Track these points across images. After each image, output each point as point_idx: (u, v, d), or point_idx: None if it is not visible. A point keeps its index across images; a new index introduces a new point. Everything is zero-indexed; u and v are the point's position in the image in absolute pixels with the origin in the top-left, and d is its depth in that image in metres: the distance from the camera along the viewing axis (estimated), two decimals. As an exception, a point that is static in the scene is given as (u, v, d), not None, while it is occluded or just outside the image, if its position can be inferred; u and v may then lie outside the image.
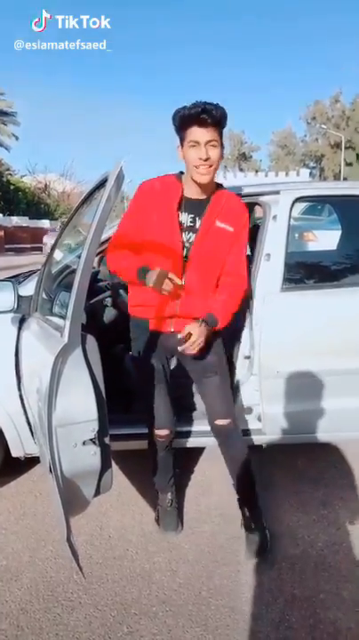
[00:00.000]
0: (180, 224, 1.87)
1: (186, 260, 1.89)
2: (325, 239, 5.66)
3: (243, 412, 2.42)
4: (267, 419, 2.39)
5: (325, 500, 2.43)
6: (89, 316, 2.56)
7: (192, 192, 1.88)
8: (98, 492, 1.65)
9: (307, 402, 2.36)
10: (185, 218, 1.88)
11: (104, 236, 2.01)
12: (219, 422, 2.05)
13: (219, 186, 1.97)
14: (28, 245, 26.73)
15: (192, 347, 1.82)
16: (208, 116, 1.70)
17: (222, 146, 1.82)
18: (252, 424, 2.43)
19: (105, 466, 1.60)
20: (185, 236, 1.88)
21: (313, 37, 77.36)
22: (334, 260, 3.24)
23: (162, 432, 2.10)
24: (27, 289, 2.37)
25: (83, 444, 1.48)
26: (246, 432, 2.39)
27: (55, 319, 1.96)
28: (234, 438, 2.10)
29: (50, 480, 1.57)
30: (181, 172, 1.93)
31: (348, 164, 40.90)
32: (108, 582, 1.93)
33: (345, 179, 40.29)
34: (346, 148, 39.68)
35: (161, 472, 2.21)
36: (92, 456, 1.51)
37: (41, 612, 1.80)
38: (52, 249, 2.49)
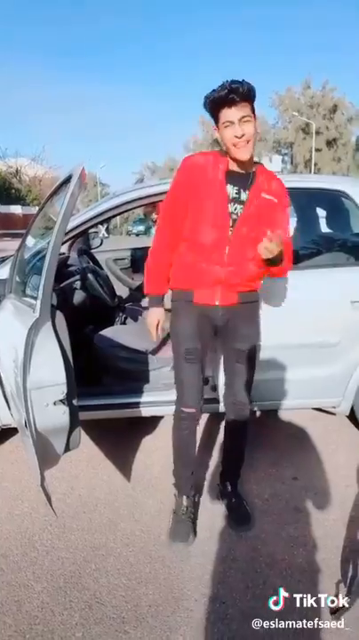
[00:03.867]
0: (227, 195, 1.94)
1: (232, 231, 1.93)
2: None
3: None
4: (221, 389, 2.66)
5: (274, 461, 2.74)
6: (60, 299, 2.78)
7: (235, 166, 1.92)
8: (67, 448, 1.90)
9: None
10: (230, 189, 1.92)
11: (70, 226, 2.21)
12: (236, 404, 2.20)
13: (256, 162, 2.02)
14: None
15: (265, 250, 1.76)
16: (236, 94, 1.73)
17: (255, 118, 1.83)
18: (208, 394, 2.69)
19: (73, 424, 1.85)
20: (231, 207, 1.93)
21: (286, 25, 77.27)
22: None
23: (188, 409, 2.12)
24: (2, 273, 2.58)
25: (54, 404, 1.73)
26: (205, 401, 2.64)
27: (28, 299, 2.16)
28: (242, 418, 2.23)
29: (25, 437, 1.81)
30: (221, 150, 1.97)
31: (318, 150, 41.50)
32: (79, 531, 2.19)
33: (315, 164, 40.94)
34: (315, 133, 40.18)
35: (180, 460, 2.22)
36: (62, 415, 1.76)
37: (19, 557, 2.04)
38: (24, 236, 2.68)
